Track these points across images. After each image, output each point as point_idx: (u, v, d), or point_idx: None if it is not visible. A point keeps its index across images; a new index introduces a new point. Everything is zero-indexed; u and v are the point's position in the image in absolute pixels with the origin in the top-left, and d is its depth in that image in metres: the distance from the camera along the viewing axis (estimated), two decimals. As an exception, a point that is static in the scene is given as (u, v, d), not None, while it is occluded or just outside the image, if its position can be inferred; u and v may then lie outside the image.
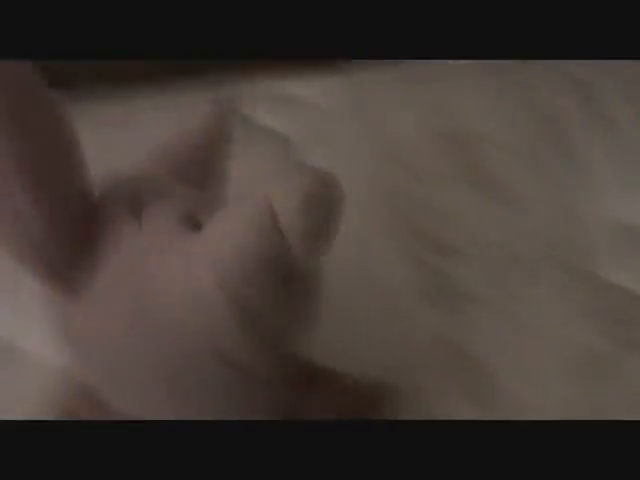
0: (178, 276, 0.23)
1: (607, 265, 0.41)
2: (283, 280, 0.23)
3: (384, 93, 0.49)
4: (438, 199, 0.43)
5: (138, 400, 0.25)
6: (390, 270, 0.40)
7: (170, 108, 0.42)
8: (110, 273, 0.24)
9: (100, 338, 0.24)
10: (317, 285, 0.25)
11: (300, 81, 0.50)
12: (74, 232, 0.24)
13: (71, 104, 0.24)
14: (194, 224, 0.25)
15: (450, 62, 0.49)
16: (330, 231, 0.23)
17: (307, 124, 0.47)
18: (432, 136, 0.46)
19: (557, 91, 0.49)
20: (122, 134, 0.43)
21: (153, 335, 0.23)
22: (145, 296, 0.23)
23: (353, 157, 0.45)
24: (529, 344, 0.37)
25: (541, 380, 0.36)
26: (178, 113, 0.33)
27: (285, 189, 0.22)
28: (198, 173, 0.30)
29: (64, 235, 0.23)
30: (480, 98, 0.49)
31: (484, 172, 0.45)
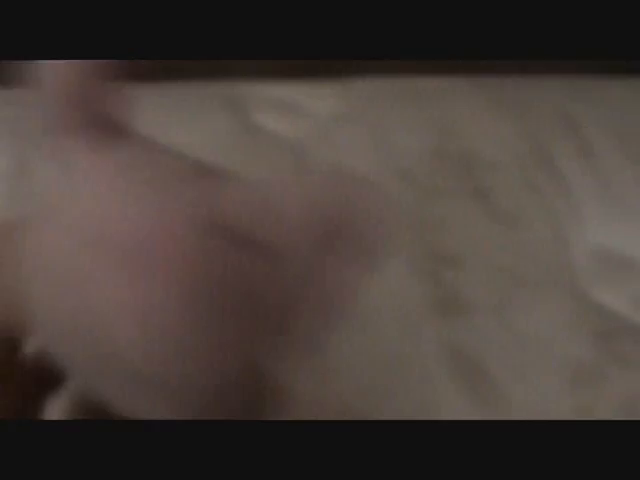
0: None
1: (592, 286, 0.44)
2: None
3: (385, 106, 0.51)
4: (440, 211, 0.46)
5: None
6: (398, 280, 0.42)
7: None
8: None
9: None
10: None
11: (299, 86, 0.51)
12: None
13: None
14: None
15: (445, 79, 0.52)
16: None
17: (309, 130, 0.49)
18: (434, 152, 0.49)
19: (546, 117, 0.53)
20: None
21: None
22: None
23: (359, 167, 0.46)
24: (527, 353, 0.41)
25: (536, 384, 0.40)
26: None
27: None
28: None
29: None
30: (476, 118, 0.52)
31: (487, 191, 0.47)
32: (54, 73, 0.21)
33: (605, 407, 0.39)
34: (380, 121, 0.50)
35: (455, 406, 0.39)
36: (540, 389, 0.40)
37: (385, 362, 0.40)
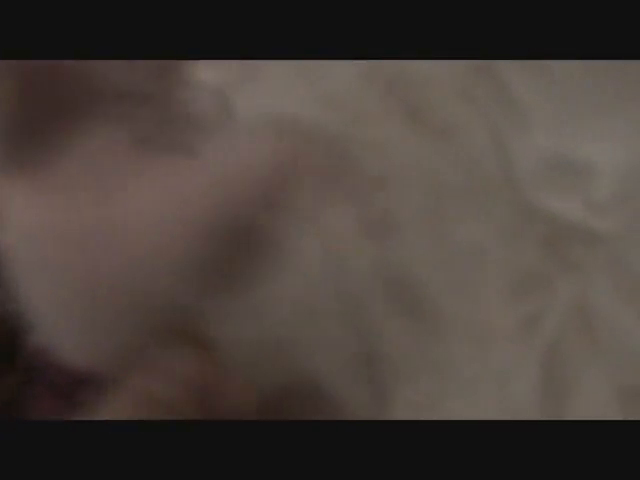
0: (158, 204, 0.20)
1: (540, 193, 0.41)
2: None
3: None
4: (373, 136, 0.42)
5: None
6: (324, 208, 0.40)
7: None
8: (75, 169, 0.21)
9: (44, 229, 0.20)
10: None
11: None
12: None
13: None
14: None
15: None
16: None
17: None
18: (366, 76, 0.44)
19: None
20: None
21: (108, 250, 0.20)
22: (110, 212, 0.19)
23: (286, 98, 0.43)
24: (463, 266, 0.38)
25: (476, 297, 0.38)
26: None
27: None
28: None
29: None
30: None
31: (419, 108, 0.44)
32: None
33: (554, 315, 0.37)
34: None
35: (393, 329, 0.37)
36: (481, 302, 0.37)
37: (315, 292, 0.38)
